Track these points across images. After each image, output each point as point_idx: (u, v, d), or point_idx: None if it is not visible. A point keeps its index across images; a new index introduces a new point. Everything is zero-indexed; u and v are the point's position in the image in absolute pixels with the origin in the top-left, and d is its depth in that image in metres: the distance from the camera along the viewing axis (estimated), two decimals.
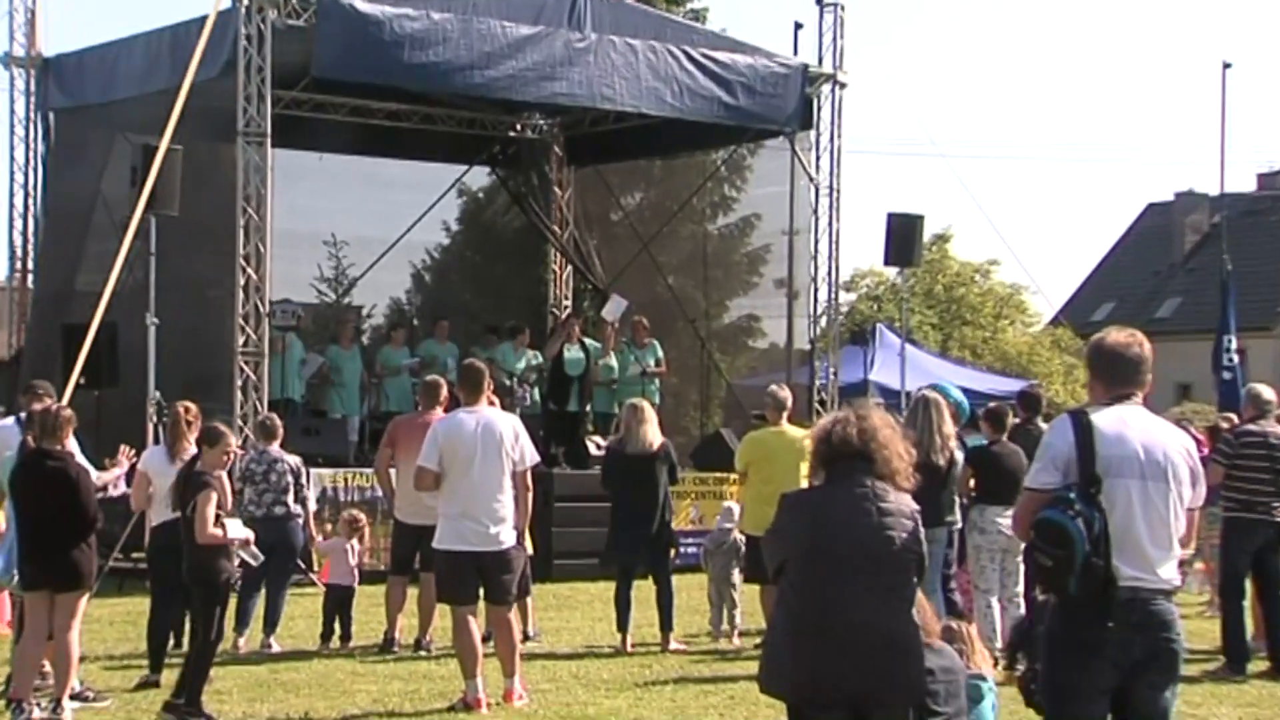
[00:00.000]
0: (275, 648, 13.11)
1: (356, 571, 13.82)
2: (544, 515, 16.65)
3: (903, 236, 21.64)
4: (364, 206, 23.72)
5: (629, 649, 13.26)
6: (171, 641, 12.08)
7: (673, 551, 13.80)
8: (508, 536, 10.71)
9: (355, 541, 13.89)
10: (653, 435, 13.50)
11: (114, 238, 17.78)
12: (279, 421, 13.85)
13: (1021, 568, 12.05)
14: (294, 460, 13.42)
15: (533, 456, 10.96)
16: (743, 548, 13.64)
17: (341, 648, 13.32)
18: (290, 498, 13.25)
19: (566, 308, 25.03)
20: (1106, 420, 6.34)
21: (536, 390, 21.09)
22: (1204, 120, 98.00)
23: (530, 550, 11.83)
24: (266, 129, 18.12)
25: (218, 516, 10.23)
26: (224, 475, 10.56)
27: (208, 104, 17.83)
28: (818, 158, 22.18)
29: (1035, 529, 6.25)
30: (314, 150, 22.55)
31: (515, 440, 10.74)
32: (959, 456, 12.40)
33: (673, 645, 13.41)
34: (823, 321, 22.78)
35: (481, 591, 10.81)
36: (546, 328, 24.32)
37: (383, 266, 24.23)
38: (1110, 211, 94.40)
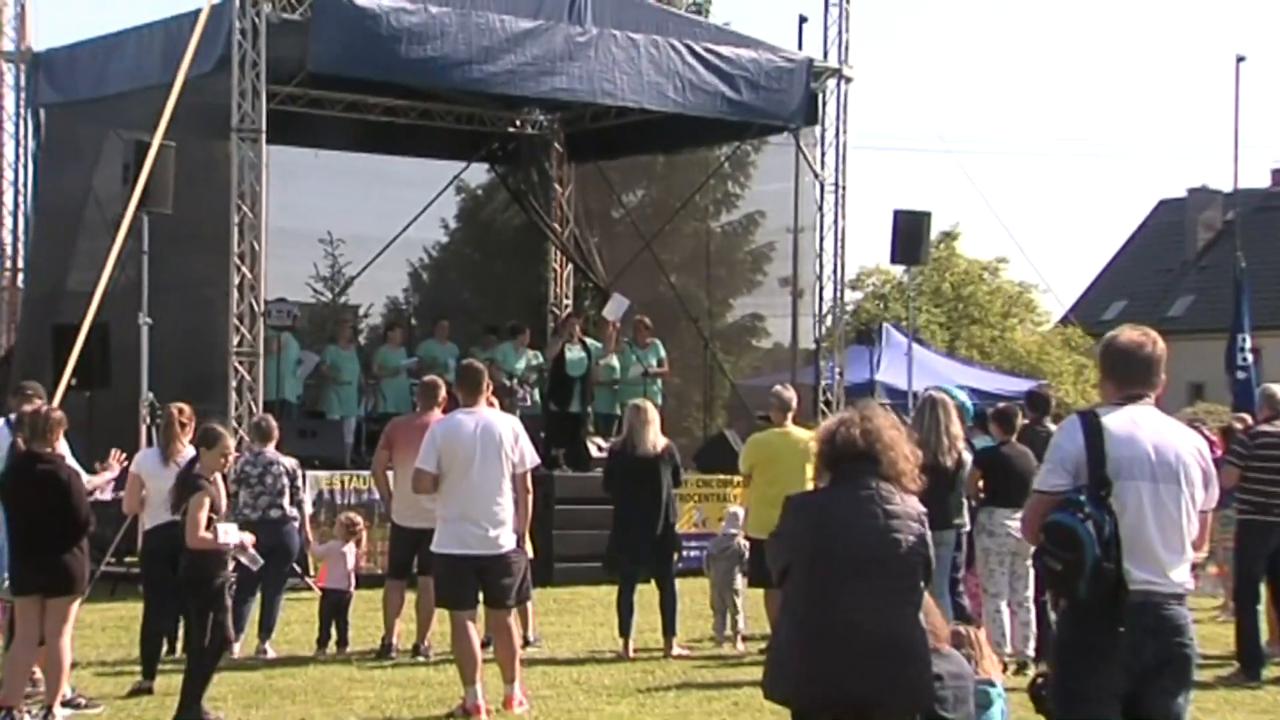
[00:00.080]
0: (271, 653, 13.12)
1: (353, 576, 13.83)
2: (544, 518, 16.66)
3: (909, 234, 21.66)
4: (361, 204, 23.74)
5: (631, 654, 13.27)
6: (165, 648, 12.09)
7: (675, 555, 13.80)
8: (507, 540, 10.71)
9: (352, 545, 13.89)
10: (656, 437, 13.50)
11: (106, 236, 17.79)
12: (274, 423, 13.85)
13: (1031, 571, 12.04)
14: (290, 462, 13.43)
15: (533, 458, 10.96)
16: (746, 552, 13.65)
17: (338, 653, 13.32)
18: (286, 501, 13.25)
19: (567, 307, 25.03)
20: (1117, 421, 6.34)
21: (537, 391, 21.10)
22: (1217, 114, 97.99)
23: (530, 554, 11.83)
24: (261, 125, 18.13)
25: (210, 520, 10.23)
26: (219, 478, 10.56)
27: (201, 99, 17.84)
28: (823, 154, 22.20)
29: (1044, 532, 6.25)
30: (310, 147, 22.56)
31: (515, 442, 10.75)
32: (967, 458, 12.41)
33: (675, 650, 13.41)
34: (828, 320, 22.78)
35: (481, 596, 10.81)
36: (547, 327, 24.34)
37: (380, 265, 24.23)
38: (1121, 208, 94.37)
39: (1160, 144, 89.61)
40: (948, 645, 7.21)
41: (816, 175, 22.18)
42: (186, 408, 12.06)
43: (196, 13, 17.67)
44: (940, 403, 12.25)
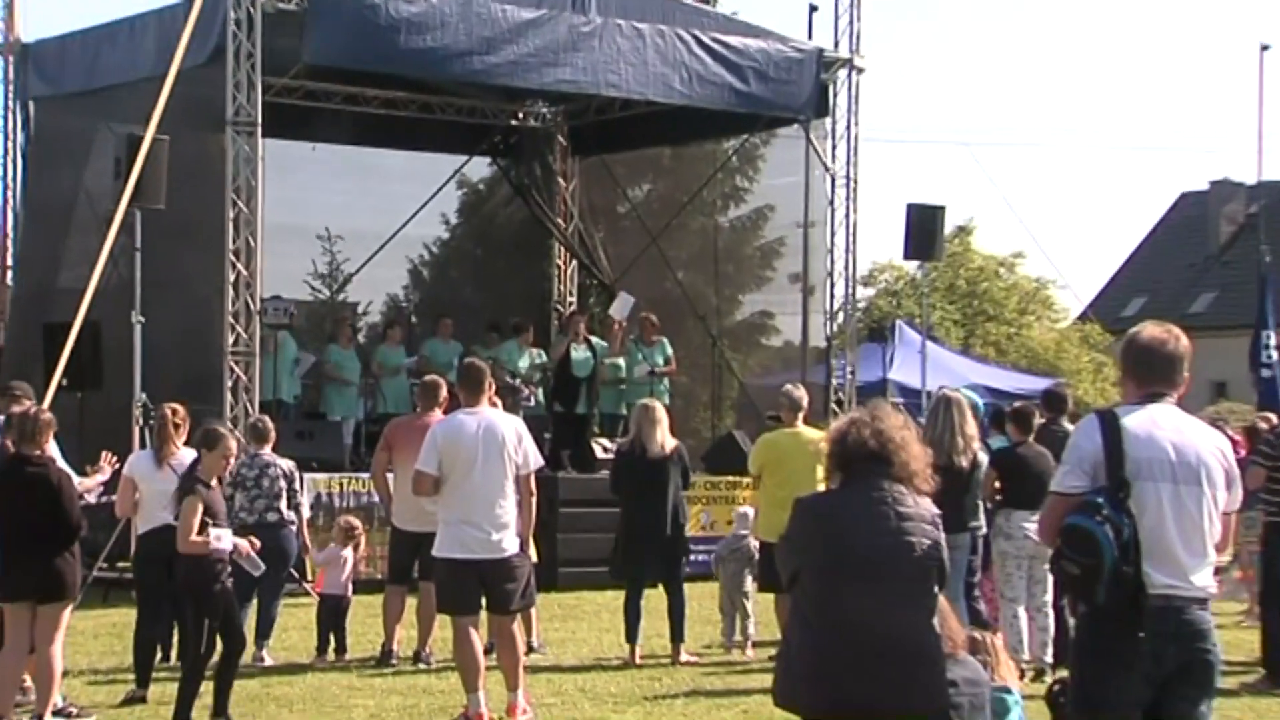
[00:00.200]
0: (268, 660, 13.12)
1: (350, 581, 13.82)
2: (549, 521, 16.67)
3: (923, 229, 21.66)
4: (359, 199, 23.77)
5: (638, 661, 13.27)
6: (159, 655, 12.10)
7: (684, 559, 13.81)
8: (510, 543, 10.71)
9: (349, 550, 13.90)
10: (665, 437, 13.50)
11: (97, 232, 17.83)
12: (271, 424, 13.86)
13: (1050, 575, 12.04)
14: (287, 464, 13.43)
15: (536, 460, 10.97)
16: (756, 555, 13.65)
17: (337, 660, 13.34)
18: (283, 504, 13.25)
19: (571, 304, 25.05)
20: (1136, 421, 6.33)
21: (541, 391, 21.12)
22: (1240, 104, 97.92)
23: (534, 558, 11.83)
24: (257, 118, 18.14)
25: (205, 525, 10.23)
26: (216, 482, 10.55)
27: (195, 92, 17.86)
28: (834, 146, 22.19)
29: (1062, 535, 6.25)
30: (306, 140, 22.62)
31: (518, 443, 10.75)
32: (983, 458, 12.40)
33: (684, 657, 13.42)
34: (839, 318, 22.78)
35: (483, 601, 10.81)
36: (550, 325, 24.37)
37: (379, 262, 24.27)
38: (1141, 201, 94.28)
39: (1182, 135, 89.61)
40: (964, 651, 7.21)
41: (827, 168, 22.18)
42: (180, 408, 12.05)
43: (190, 2, 17.69)
44: (955, 402, 12.24)
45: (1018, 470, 12.58)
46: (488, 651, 11.20)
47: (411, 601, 13.21)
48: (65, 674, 11.08)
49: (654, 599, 13.68)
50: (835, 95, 22.00)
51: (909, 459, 6.34)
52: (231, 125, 18.08)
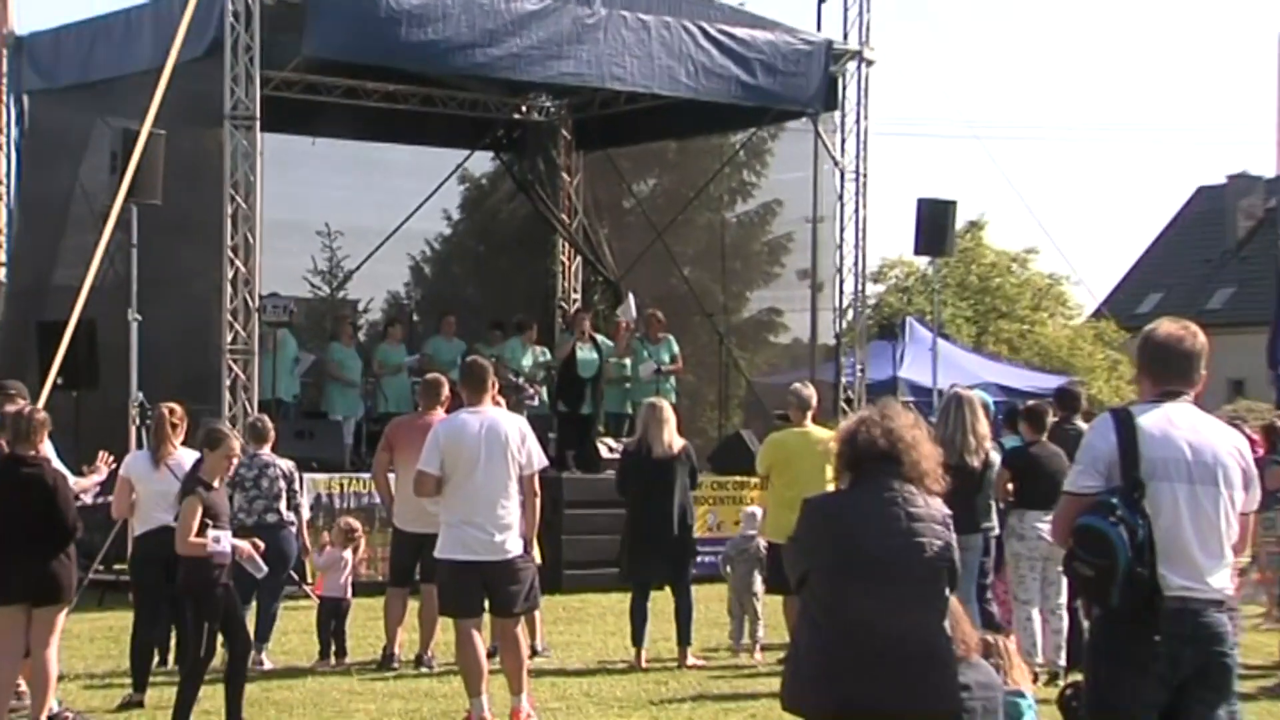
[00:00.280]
0: (267, 664, 13.13)
1: (349, 583, 13.82)
2: (553, 522, 16.68)
3: (934, 224, 21.64)
4: (360, 194, 23.79)
5: (644, 665, 13.28)
6: (156, 659, 12.11)
7: (691, 561, 13.80)
8: (514, 545, 10.72)
9: (348, 552, 13.90)
10: (672, 437, 13.51)
11: (93, 229, 17.84)
12: (270, 424, 13.88)
13: (1064, 577, 12.03)
14: (286, 465, 13.44)
15: (540, 460, 10.97)
16: (764, 555, 13.66)
17: (337, 664, 13.35)
18: (282, 505, 13.27)
19: (575, 302, 25.04)
20: (1151, 419, 6.33)
21: (545, 389, 21.12)
22: (1258, 96, 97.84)
23: (538, 560, 11.83)
24: (255, 112, 18.15)
25: (204, 526, 10.24)
26: (218, 483, 10.55)
27: (192, 85, 17.87)
28: (843, 140, 22.19)
29: (1075, 536, 6.26)
30: (306, 135, 22.64)
31: (522, 442, 10.75)
32: (995, 458, 12.40)
33: (690, 661, 13.43)
34: (849, 315, 22.78)
35: (487, 604, 10.82)
36: (555, 322, 24.38)
37: (380, 258, 24.28)
38: (1157, 195, 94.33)
39: (1198, 128, 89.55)
40: (976, 654, 7.21)
41: (836, 162, 22.18)
42: (178, 408, 12.06)
43: None
44: (966, 400, 12.25)
45: (1031, 470, 12.58)
46: (491, 655, 11.21)
47: (413, 604, 13.22)
48: (61, 678, 11.11)
49: (660, 601, 13.69)
50: (844, 88, 22.00)
51: (920, 458, 6.35)
52: (230, 119, 18.09)
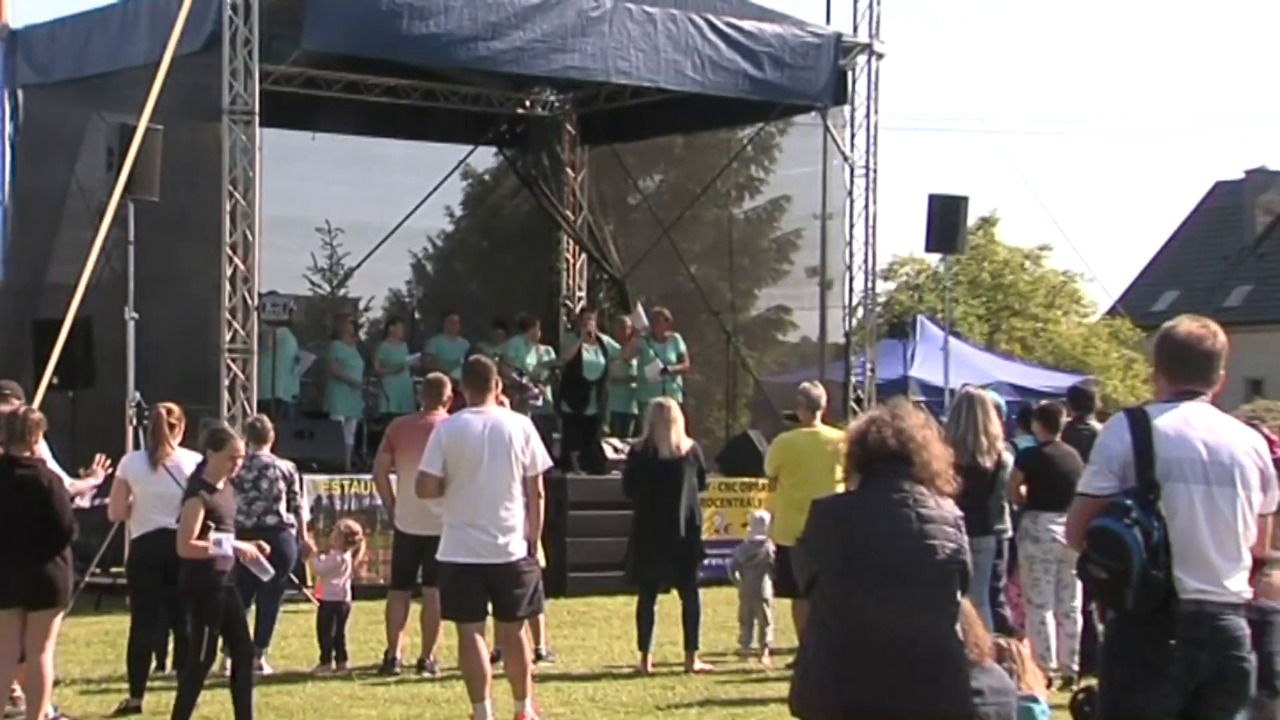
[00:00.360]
0: (267, 669, 13.13)
1: (349, 587, 13.82)
2: (557, 524, 16.63)
3: (946, 220, 21.65)
4: (360, 190, 23.78)
5: (650, 669, 13.28)
6: (154, 664, 12.12)
7: (698, 563, 13.81)
8: (518, 547, 10.72)
9: (348, 555, 13.90)
10: (680, 437, 13.50)
11: (89, 225, 17.85)
12: (269, 424, 13.88)
13: (1078, 580, 12.03)
14: (286, 466, 13.44)
15: (545, 460, 10.97)
16: (774, 559, 13.66)
17: (338, 669, 13.35)
18: (282, 506, 13.26)
19: (580, 299, 25.06)
20: (1167, 420, 6.33)
21: (549, 389, 21.13)
22: (1276, 90, 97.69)
23: (542, 562, 11.83)
24: (254, 107, 18.16)
25: (207, 528, 10.23)
26: (222, 485, 10.54)
27: (190, 80, 17.88)
28: (852, 135, 22.18)
29: (1089, 538, 6.25)
30: (306, 130, 22.63)
31: (526, 443, 10.75)
32: (1008, 459, 12.40)
33: (697, 665, 13.43)
34: (859, 313, 22.78)
35: (490, 607, 10.82)
36: (559, 320, 24.39)
37: (381, 255, 24.27)
38: (1173, 191, 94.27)
39: (1215, 122, 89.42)
40: (990, 659, 7.21)
41: (846, 158, 22.18)
42: (176, 408, 12.08)
43: None
44: (978, 400, 12.25)
45: (1044, 471, 12.58)
46: (494, 659, 11.21)
47: (415, 607, 13.22)
48: (57, 683, 11.12)
49: (667, 604, 13.69)
50: (854, 82, 21.99)
51: (931, 459, 6.34)
52: (228, 114, 18.09)
